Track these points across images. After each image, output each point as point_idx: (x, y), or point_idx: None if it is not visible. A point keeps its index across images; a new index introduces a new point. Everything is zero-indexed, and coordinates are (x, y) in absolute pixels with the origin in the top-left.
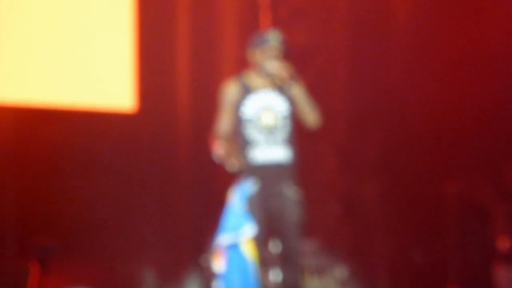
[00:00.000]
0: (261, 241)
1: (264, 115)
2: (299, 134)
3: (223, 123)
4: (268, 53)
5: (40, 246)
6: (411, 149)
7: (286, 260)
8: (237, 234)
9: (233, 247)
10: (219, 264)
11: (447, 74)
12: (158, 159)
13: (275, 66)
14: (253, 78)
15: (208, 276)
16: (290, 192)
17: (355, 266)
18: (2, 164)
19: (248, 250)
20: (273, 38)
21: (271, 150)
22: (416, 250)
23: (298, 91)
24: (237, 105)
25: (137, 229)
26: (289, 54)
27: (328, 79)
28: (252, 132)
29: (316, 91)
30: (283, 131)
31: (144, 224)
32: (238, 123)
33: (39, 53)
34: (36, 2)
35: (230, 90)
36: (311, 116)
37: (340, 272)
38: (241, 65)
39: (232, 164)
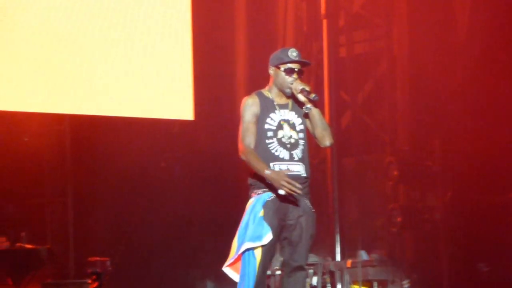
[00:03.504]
0: (269, 248)
1: (285, 129)
2: (360, 145)
3: (252, 136)
4: (288, 70)
5: (96, 263)
6: (475, 158)
7: (292, 271)
8: (258, 243)
9: (248, 253)
10: (237, 271)
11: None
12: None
13: (294, 84)
14: (272, 93)
15: None
16: (307, 205)
17: (418, 278)
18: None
19: (258, 255)
20: (293, 56)
21: (290, 164)
22: (480, 260)
23: (315, 110)
24: (258, 118)
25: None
26: (350, 63)
27: (389, 88)
28: (273, 146)
29: (377, 100)
30: (302, 146)
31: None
32: (260, 137)
33: (114, 71)
34: (105, 24)
35: (252, 102)
36: (325, 136)
37: (403, 283)
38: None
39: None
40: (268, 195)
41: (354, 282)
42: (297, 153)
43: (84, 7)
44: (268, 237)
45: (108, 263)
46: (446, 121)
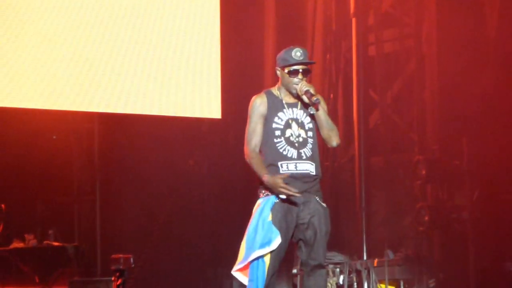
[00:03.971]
0: (279, 252)
1: (293, 127)
2: (388, 144)
3: (258, 137)
4: (292, 71)
5: (120, 260)
6: (503, 157)
7: (312, 269)
8: (267, 249)
9: (258, 260)
10: (246, 275)
11: None
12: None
13: (299, 85)
14: (281, 91)
15: None
16: (318, 202)
17: (445, 277)
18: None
19: (267, 260)
20: (296, 56)
21: (299, 162)
22: (508, 260)
23: (320, 111)
24: (265, 118)
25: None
26: (379, 61)
27: (418, 87)
28: (281, 145)
29: (405, 99)
30: (311, 144)
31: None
32: (268, 136)
33: (142, 70)
34: (134, 24)
35: (260, 102)
36: (332, 137)
37: (430, 282)
38: (328, 76)
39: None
40: (276, 197)
41: (381, 281)
42: (306, 151)
43: (113, 6)
44: (277, 241)
45: (132, 260)
46: (475, 120)
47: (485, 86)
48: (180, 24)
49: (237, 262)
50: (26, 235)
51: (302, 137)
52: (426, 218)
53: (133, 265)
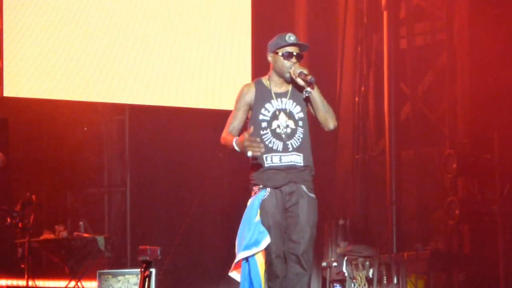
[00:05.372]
0: (274, 245)
1: (281, 118)
2: (419, 137)
3: (237, 122)
4: (286, 54)
5: (147, 252)
6: None
7: (297, 261)
8: (255, 250)
9: (247, 260)
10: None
11: None
12: None
13: (293, 68)
14: (271, 81)
15: None
16: (304, 191)
17: (475, 271)
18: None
19: (260, 259)
20: (291, 40)
21: (284, 155)
22: None
23: (315, 93)
24: (251, 107)
25: None
26: (410, 54)
27: (449, 80)
28: (266, 137)
29: (437, 92)
30: (301, 134)
31: None
32: (255, 128)
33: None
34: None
35: (247, 91)
36: (328, 119)
37: (460, 276)
38: (359, 70)
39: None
40: (263, 194)
41: (411, 275)
42: (293, 142)
43: (147, 1)
44: (265, 241)
45: (159, 252)
46: (506, 114)
47: None
48: (211, 16)
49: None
50: (56, 227)
51: (291, 128)
52: (457, 212)
53: (160, 257)
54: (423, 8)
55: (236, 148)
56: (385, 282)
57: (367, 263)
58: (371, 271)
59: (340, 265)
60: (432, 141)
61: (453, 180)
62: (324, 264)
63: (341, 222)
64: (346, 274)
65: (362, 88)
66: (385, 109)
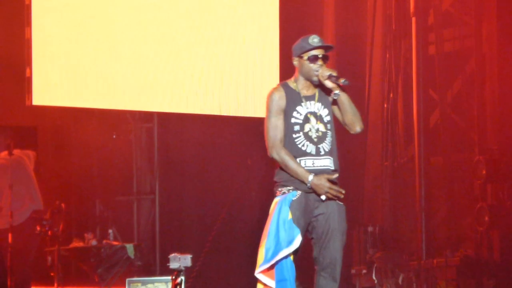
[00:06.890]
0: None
1: (312, 122)
2: (449, 144)
3: (281, 133)
4: (312, 57)
5: (177, 259)
6: None
7: (323, 268)
8: (292, 248)
9: (285, 259)
10: (270, 277)
11: None
12: None
13: (320, 71)
14: (299, 84)
15: None
16: (336, 201)
17: (505, 277)
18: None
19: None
20: (315, 43)
21: (316, 159)
22: None
23: (343, 95)
24: (284, 112)
25: None
26: (439, 61)
27: (478, 87)
28: (299, 141)
29: (466, 99)
30: (330, 138)
31: None
32: (286, 131)
33: (202, 70)
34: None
35: (279, 96)
36: (355, 122)
37: (489, 283)
38: (388, 76)
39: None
40: (293, 195)
41: (440, 281)
42: (324, 146)
43: (173, 6)
44: (298, 239)
45: (190, 259)
46: None
47: None
48: (239, 25)
49: (259, 263)
50: (85, 234)
51: (321, 131)
52: (486, 218)
53: (190, 265)
54: (452, 14)
55: (308, 184)
56: None
57: (397, 270)
58: (400, 278)
59: (369, 272)
60: (461, 148)
61: (483, 187)
62: (353, 271)
63: (370, 229)
64: (376, 282)
65: (391, 95)
66: (414, 115)
